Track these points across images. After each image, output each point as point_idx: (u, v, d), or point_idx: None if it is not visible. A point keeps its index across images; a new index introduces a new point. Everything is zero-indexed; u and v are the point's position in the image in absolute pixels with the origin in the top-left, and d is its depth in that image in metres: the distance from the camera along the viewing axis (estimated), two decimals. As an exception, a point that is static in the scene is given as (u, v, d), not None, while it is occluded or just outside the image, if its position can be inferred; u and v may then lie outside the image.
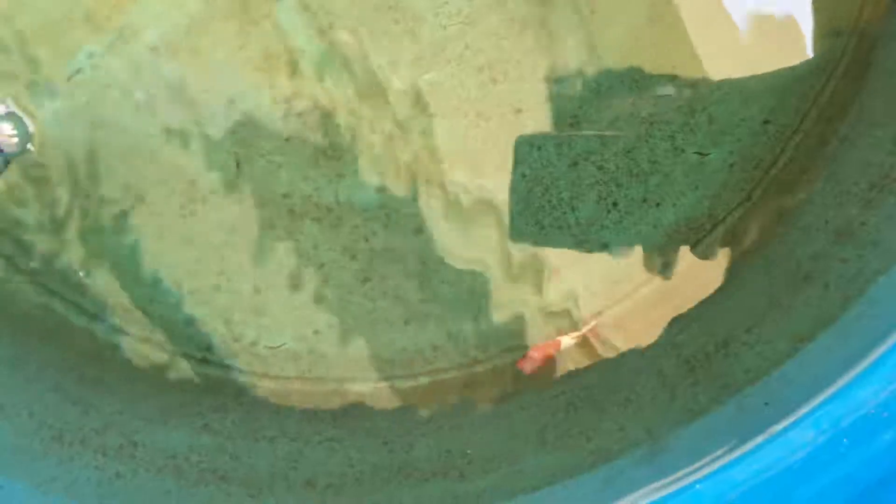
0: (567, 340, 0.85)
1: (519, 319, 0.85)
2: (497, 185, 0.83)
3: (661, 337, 0.80)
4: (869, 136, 0.75)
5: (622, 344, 0.83)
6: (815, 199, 0.77)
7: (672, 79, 0.82)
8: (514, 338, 0.86)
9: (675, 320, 0.81)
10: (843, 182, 0.74)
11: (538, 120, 0.82)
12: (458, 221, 0.83)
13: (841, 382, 0.55)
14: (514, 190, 0.83)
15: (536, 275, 0.85)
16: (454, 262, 0.84)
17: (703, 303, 0.80)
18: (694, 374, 0.71)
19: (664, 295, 0.85)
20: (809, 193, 0.78)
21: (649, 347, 0.80)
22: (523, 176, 0.83)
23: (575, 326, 0.86)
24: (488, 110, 0.82)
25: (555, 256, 0.84)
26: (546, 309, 0.85)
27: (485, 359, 0.85)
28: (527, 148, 0.82)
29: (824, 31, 0.81)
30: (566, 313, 0.85)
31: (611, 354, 0.83)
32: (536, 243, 0.84)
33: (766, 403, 0.59)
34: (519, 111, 0.82)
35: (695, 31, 0.81)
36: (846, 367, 0.57)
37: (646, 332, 0.82)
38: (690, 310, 0.80)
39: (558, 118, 0.82)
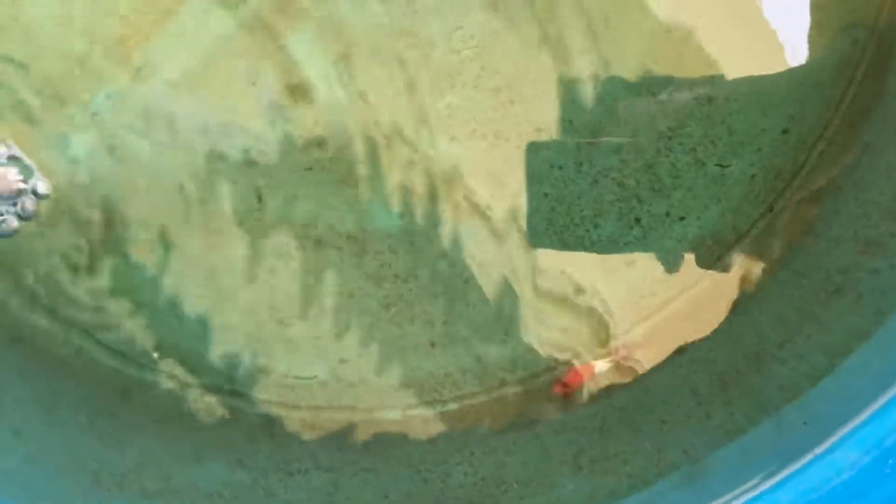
0: (601, 365, 0.85)
1: (547, 341, 0.85)
2: (519, 205, 0.83)
3: (691, 353, 0.80)
4: (893, 143, 0.74)
5: (652, 361, 0.83)
6: (840, 208, 0.76)
7: (690, 90, 0.81)
8: (543, 360, 0.85)
9: (706, 336, 0.80)
10: (868, 190, 0.74)
11: (557, 138, 0.82)
12: (481, 243, 0.83)
13: (882, 399, 0.55)
14: (537, 209, 0.82)
15: (563, 295, 0.84)
16: (479, 285, 0.83)
17: (732, 317, 0.79)
18: (727, 392, 0.70)
19: (693, 310, 0.84)
20: (834, 203, 0.77)
21: (680, 365, 0.79)
22: (545, 195, 0.82)
23: (605, 345, 0.85)
24: (506, 131, 0.81)
25: (580, 275, 0.84)
26: (574, 329, 0.85)
27: (514, 381, 0.85)
28: (547, 167, 0.82)
29: (842, 37, 0.80)
30: (595, 332, 0.85)
31: (642, 373, 0.83)
32: (561, 263, 0.84)
33: (805, 423, 0.58)
34: (538, 130, 0.82)
35: (711, 41, 0.80)
36: (886, 382, 0.56)
37: (676, 349, 0.81)
38: (720, 325, 0.80)
39: (577, 135, 0.82)
